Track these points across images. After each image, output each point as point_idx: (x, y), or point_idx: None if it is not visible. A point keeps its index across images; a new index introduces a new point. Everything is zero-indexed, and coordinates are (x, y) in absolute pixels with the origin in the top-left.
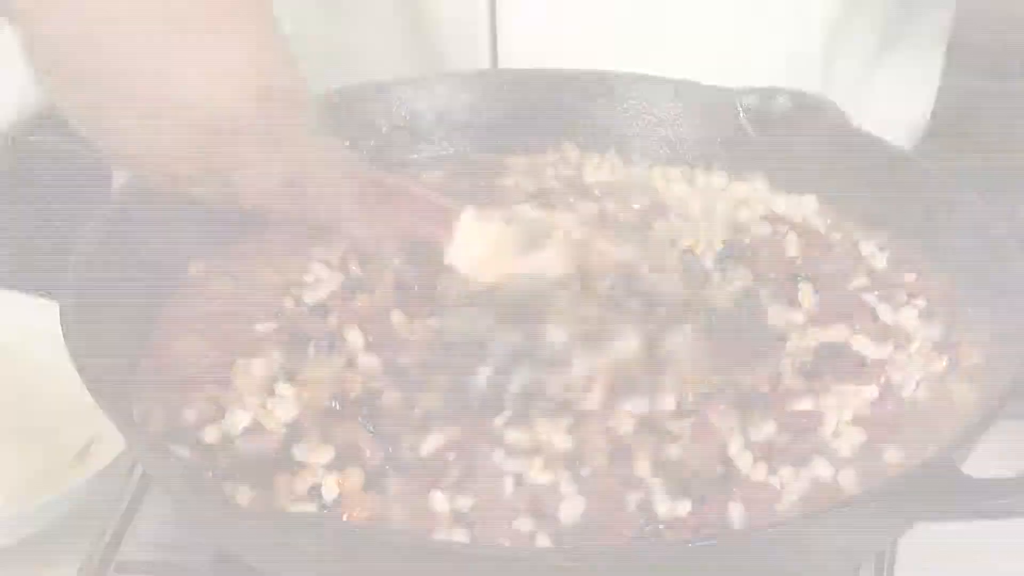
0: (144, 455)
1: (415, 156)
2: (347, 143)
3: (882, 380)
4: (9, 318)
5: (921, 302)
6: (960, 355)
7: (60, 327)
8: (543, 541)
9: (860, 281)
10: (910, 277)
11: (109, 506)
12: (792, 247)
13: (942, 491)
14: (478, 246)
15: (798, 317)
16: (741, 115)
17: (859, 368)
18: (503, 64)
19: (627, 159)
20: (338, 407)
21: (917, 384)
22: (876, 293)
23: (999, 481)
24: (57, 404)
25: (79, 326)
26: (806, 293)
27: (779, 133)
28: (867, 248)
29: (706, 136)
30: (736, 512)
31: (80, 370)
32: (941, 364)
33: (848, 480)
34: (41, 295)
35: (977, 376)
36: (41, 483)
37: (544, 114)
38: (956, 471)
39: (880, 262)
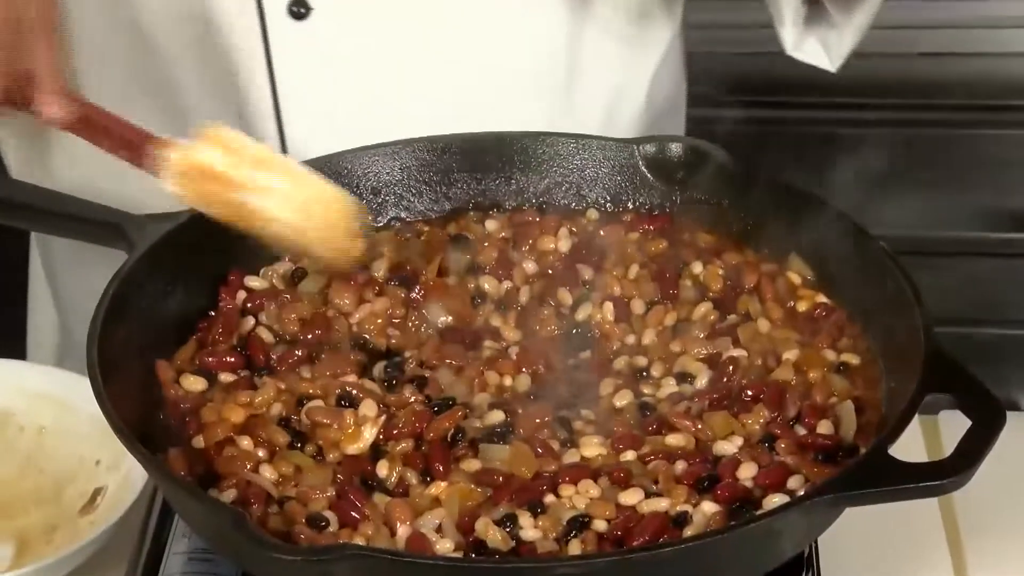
0: (181, 502)
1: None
2: None
3: None
4: (10, 385)
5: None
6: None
7: (92, 391)
8: None
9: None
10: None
11: (124, 550)
12: None
13: (881, 476)
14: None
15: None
16: (640, 162)
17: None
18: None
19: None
20: None
21: None
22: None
23: (935, 464)
24: (61, 463)
25: (108, 389)
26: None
27: (675, 176)
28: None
29: (611, 183)
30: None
31: (117, 431)
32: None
33: None
34: None
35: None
36: (52, 537)
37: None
38: (894, 459)
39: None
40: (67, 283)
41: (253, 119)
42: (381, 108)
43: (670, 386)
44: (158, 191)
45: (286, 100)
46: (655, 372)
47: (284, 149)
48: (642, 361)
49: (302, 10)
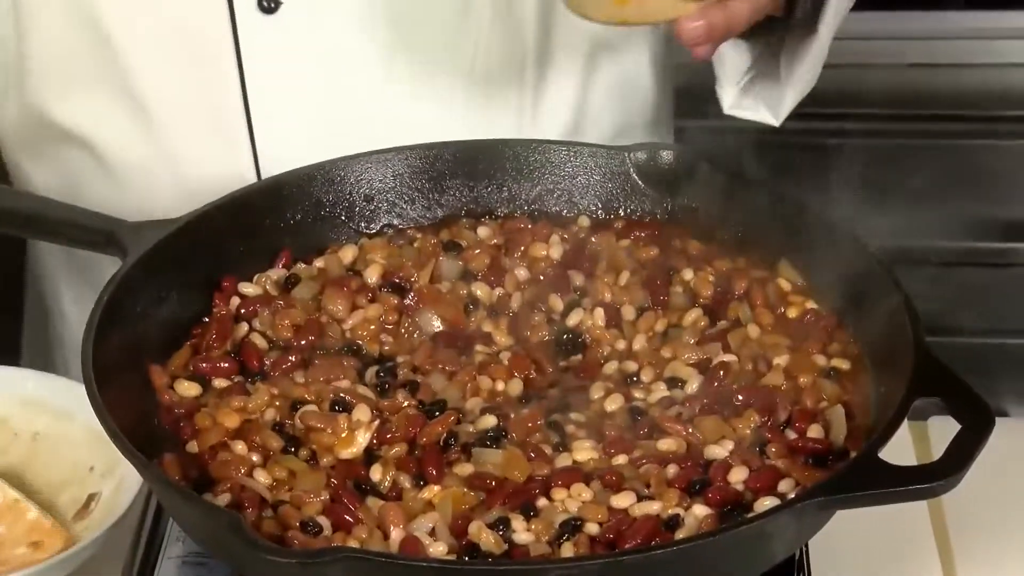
0: (176, 506)
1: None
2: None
3: None
4: (5, 391)
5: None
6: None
7: (87, 397)
8: None
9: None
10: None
11: (118, 554)
12: None
13: (871, 479)
14: None
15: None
16: (631, 170)
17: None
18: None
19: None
20: None
21: None
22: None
23: (925, 467)
24: (54, 469)
25: (103, 394)
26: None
27: (666, 184)
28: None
29: (603, 190)
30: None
31: (112, 435)
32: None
33: None
34: None
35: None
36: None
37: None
38: (884, 462)
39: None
40: (57, 291)
41: (221, 116)
42: (348, 106)
43: (661, 391)
44: (151, 196)
45: (255, 97)
46: (645, 377)
47: (254, 148)
48: (632, 367)
49: (272, 4)
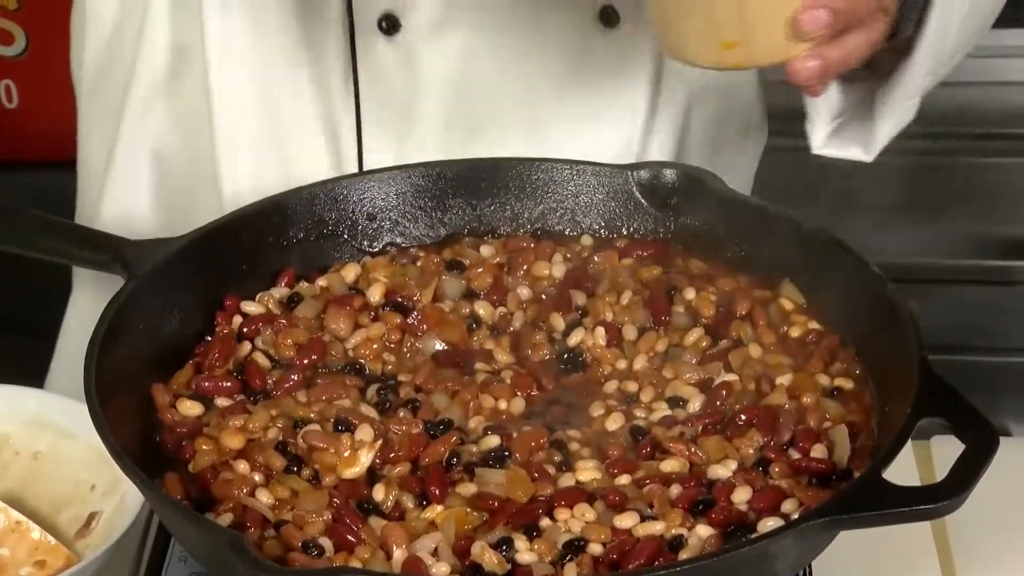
0: (178, 526)
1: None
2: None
3: None
4: (8, 411)
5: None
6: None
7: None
8: None
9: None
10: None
11: (120, 574)
12: None
13: (875, 500)
14: None
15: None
16: (634, 188)
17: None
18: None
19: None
20: None
21: None
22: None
23: (930, 487)
24: (56, 488)
25: (105, 413)
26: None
27: (669, 203)
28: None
29: (606, 209)
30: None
31: (114, 454)
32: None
33: None
34: None
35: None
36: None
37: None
38: (888, 482)
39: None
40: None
41: (337, 129)
42: (458, 129)
43: (662, 410)
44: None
45: (368, 114)
46: (645, 397)
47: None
48: (632, 386)
49: (391, 25)
